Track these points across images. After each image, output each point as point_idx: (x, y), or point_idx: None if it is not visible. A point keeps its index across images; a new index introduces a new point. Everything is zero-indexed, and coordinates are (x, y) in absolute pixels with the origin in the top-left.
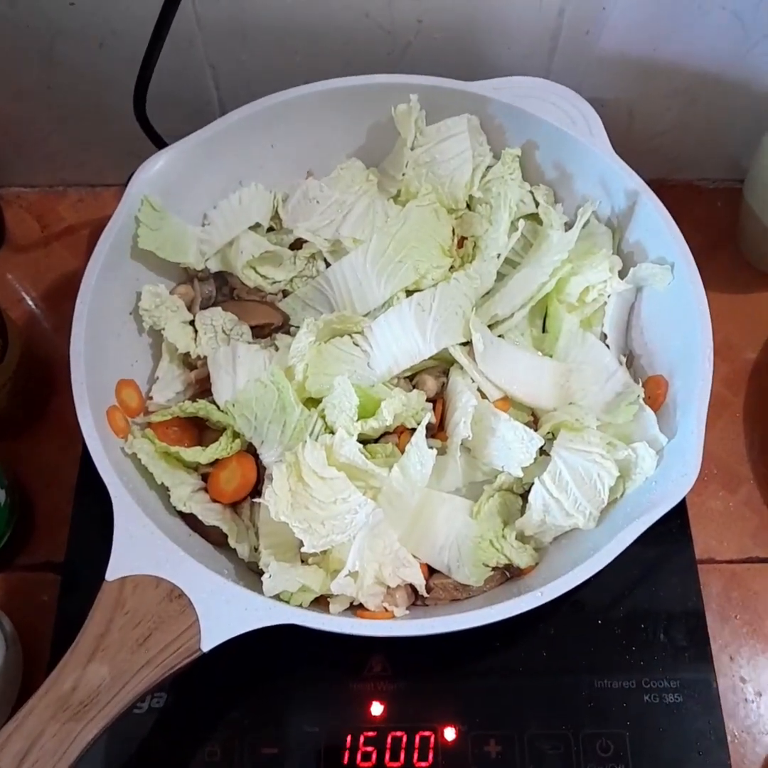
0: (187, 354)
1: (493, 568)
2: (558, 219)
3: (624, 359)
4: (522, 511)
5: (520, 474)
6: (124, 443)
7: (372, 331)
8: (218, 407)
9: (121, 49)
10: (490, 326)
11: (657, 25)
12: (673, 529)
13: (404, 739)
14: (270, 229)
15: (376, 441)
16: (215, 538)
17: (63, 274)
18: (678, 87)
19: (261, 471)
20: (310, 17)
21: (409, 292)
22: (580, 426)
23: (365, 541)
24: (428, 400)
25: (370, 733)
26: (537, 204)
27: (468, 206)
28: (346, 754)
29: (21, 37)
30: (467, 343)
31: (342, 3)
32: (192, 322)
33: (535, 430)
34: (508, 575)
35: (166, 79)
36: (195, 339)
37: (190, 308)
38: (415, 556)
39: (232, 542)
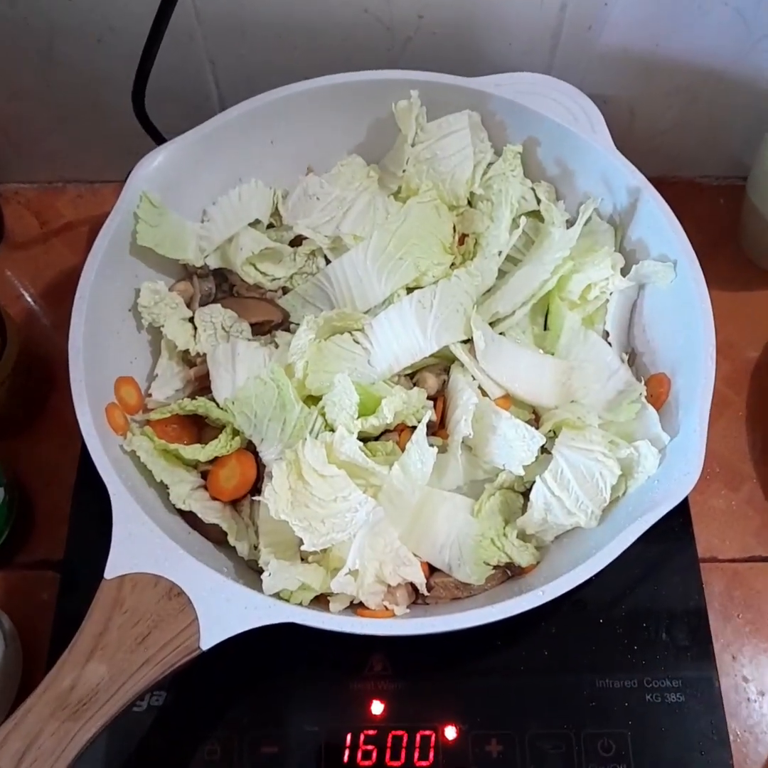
0: (187, 351)
1: (494, 567)
2: (560, 216)
3: (626, 357)
4: (523, 510)
5: (522, 472)
6: (123, 441)
7: (372, 329)
8: (218, 405)
9: (120, 45)
10: (491, 324)
11: (659, 22)
12: (675, 527)
13: (405, 738)
14: (270, 226)
15: (376, 439)
16: (215, 536)
17: (62, 270)
18: (680, 84)
19: (261, 469)
20: (310, 13)
21: (409, 290)
22: (582, 424)
23: (366, 539)
24: (429, 397)
25: (371, 732)
26: (538, 201)
27: (469, 203)
28: (347, 753)
29: (20, 34)
30: (468, 341)
31: None
32: (191, 319)
33: (537, 429)
34: (510, 574)
35: (165, 75)
36: (194, 336)
37: (189, 305)
38: (415, 555)
39: (231, 540)
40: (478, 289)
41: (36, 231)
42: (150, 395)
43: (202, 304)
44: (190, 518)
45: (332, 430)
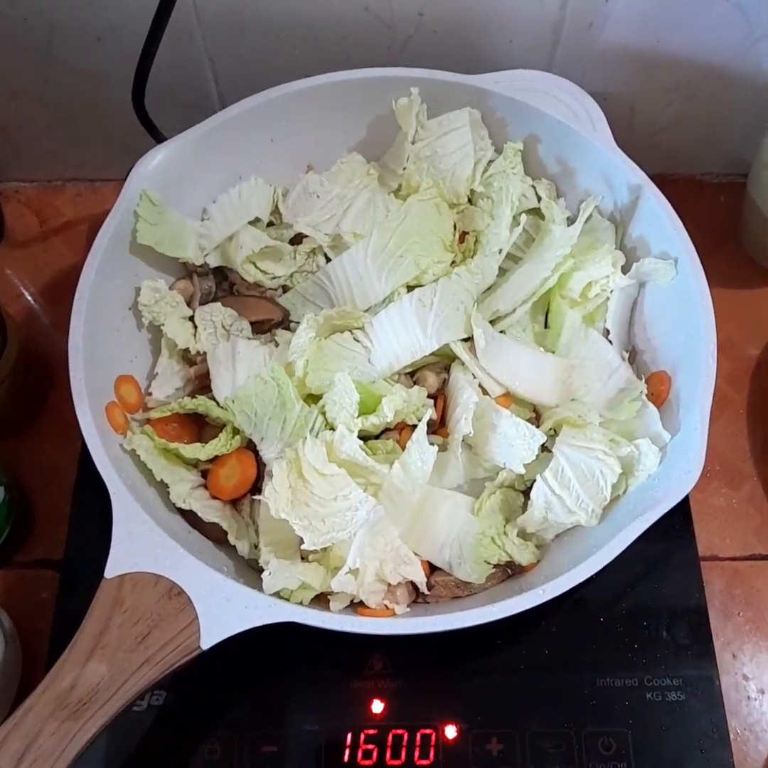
0: (187, 350)
1: (495, 566)
2: (560, 214)
3: (627, 355)
4: (524, 508)
5: (522, 471)
6: (123, 439)
7: (372, 327)
8: (218, 403)
9: (120, 44)
10: (491, 322)
11: (660, 18)
12: (675, 526)
13: (405, 737)
14: (270, 224)
15: (376, 437)
16: (215, 535)
17: (62, 269)
18: (680, 81)
19: (261, 468)
20: (310, 10)
21: (410, 288)
22: (583, 422)
23: (366, 538)
24: (429, 396)
25: (371, 731)
26: (539, 198)
27: (469, 201)
28: (347, 752)
29: (20, 34)
30: (468, 339)
31: None
32: (191, 318)
33: (537, 427)
34: (510, 572)
35: (164, 73)
36: (194, 335)
37: (189, 304)
38: (416, 554)
39: (231, 539)
40: (478, 287)
41: (36, 229)
42: (150, 394)
43: (203, 303)
44: (190, 517)
45: (332, 429)
